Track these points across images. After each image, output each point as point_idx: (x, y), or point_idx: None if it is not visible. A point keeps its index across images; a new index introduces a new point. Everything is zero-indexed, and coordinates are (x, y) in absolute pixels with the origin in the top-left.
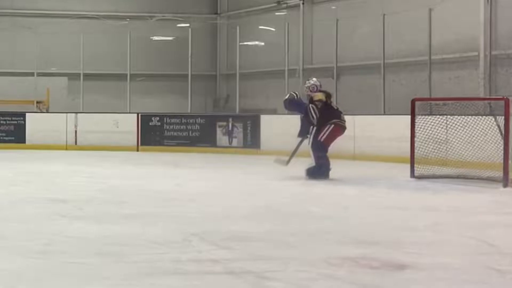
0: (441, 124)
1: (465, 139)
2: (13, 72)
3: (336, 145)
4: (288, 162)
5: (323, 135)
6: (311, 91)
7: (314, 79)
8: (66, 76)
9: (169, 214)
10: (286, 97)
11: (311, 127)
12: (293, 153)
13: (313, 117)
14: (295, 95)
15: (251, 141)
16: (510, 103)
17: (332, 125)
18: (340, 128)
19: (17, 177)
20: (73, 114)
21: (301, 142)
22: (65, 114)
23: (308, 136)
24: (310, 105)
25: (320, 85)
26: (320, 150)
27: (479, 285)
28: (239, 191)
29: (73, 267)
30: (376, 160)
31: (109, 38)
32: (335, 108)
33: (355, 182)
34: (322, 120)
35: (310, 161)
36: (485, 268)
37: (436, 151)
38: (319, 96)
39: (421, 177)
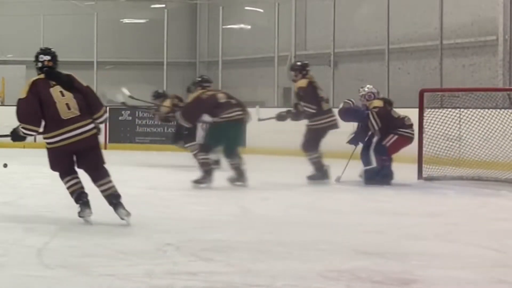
0: (453, 119)
1: (481, 136)
2: None
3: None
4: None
5: (387, 142)
6: (367, 99)
7: (368, 86)
8: (24, 64)
9: (141, 221)
10: (341, 106)
11: (368, 136)
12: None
13: (373, 126)
14: (350, 102)
15: None
16: None
17: (396, 136)
18: (407, 139)
19: None
20: None
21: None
22: None
23: (360, 144)
24: (370, 112)
25: (378, 92)
26: (384, 154)
27: None
28: (221, 195)
29: (32, 281)
30: None
31: (73, 21)
32: (397, 116)
33: (354, 184)
34: (384, 130)
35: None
36: (503, 283)
37: (447, 149)
38: (376, 103)
39: (430, 179)
